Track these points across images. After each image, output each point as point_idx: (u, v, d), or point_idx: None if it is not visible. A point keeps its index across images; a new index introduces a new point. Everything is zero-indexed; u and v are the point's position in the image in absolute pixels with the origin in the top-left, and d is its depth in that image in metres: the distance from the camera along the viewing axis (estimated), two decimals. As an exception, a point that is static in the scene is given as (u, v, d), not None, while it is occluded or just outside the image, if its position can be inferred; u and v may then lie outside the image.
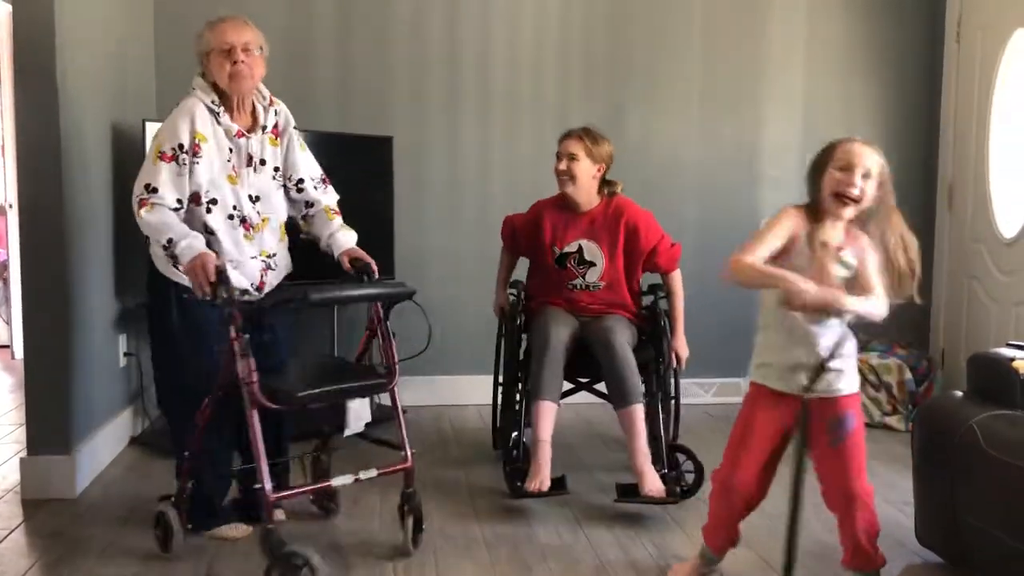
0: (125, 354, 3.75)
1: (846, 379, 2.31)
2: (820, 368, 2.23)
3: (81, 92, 3.25)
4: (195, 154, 2.57)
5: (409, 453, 2.64)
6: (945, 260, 4.65)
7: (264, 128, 2.72)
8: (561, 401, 3.20)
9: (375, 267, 2.75)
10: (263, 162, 2.72)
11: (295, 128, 2.82)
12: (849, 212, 2.26)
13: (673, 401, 3.43)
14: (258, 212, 2.71)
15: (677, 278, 3.38)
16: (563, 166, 3.27)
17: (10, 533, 2.83)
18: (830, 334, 2.27)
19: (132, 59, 3.94)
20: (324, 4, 4.38)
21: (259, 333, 2.59)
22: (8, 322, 5.92)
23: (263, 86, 2.74)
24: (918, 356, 4.43)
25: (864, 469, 2.31)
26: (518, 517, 3.02)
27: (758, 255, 2.20)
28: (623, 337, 3.14)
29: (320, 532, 2.90)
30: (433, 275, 4.48)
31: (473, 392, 3.95)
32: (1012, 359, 2.56)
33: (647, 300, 3.46)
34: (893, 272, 2.26)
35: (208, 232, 2.60)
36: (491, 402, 3.70)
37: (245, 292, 2.68)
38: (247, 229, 2.69)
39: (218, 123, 2.63)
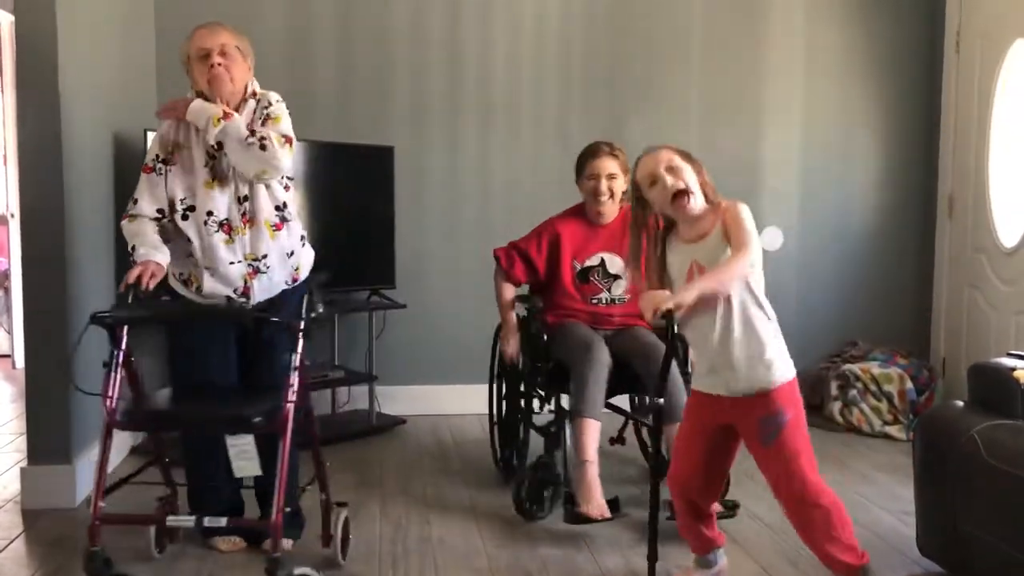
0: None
1: (764, 374, 2.24)
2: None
3: (82, 101, 3.26)
4: (171, 161, 2.60)
5: (276, 511, 2.27)
6: (945, 269, 4.65)
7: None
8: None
9: None
10: None
11: (266, 109, 2.65)
12: (690, 202, 2.28)
13: None
14: (243, 213, 2.62)
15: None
16: (604, 187, 3.19)
17: (10, 543, 2.83)
18: (717, 328, 2.25)
19: (133, 68, 3.95)
20: (323, 15, 4.39)
21: (245, 346, 2.65)
22: (9, 332, 5.92)
23: (254, 84, 2.71)
24: (919, 365, 4.43)
25: (811, 464, 2.23)
26: (518, 527, 3.01)
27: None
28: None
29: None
30: (434, 284, 4.48)
31: (473, 401, 3.95)
32: (1013, 369, 2.56)
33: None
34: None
35: (188, 241, 2.60)
36: (489, 415, 3.64)
37: (228, 299, 2.64)
38: (227, 233, 2.61)
39: (196, 129, 2.59)
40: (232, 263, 2.61)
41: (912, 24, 4.73)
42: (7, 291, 6.23)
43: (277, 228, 2.67)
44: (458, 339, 4.41)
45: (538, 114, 4.55)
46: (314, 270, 2.83)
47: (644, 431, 3.50)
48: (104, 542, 2.29)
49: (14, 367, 5.57)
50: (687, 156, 2.34)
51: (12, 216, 5.46)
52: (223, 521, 2.34)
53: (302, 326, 2.41)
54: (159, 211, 2.60)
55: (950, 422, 2.56)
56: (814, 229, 4.73)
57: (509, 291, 3.33)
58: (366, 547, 2.85)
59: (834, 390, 4.36)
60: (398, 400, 4.40)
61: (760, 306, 2.28)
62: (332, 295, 4.21)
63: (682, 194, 2.28)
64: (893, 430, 4.21)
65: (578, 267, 3.27)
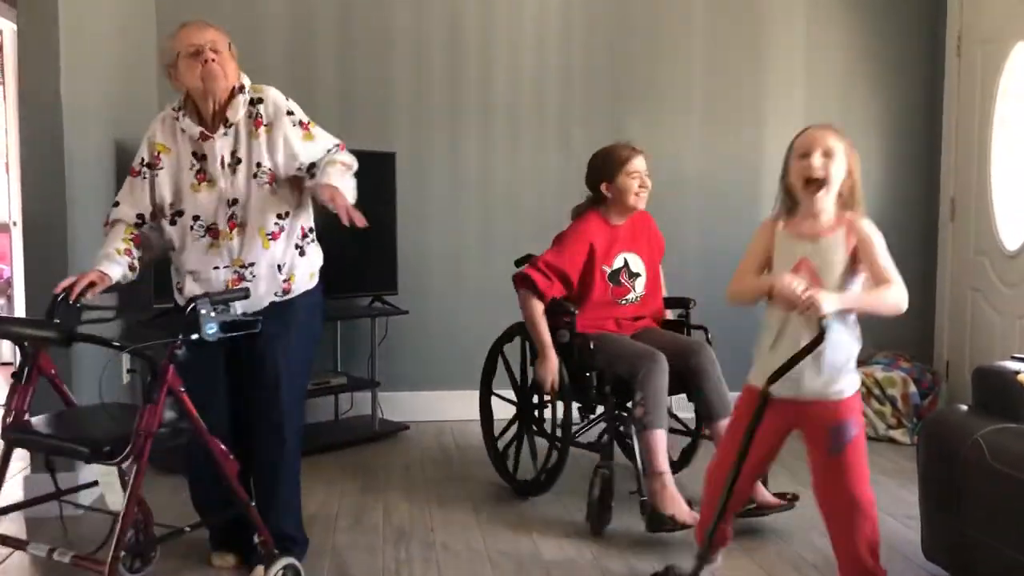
0: (128, 371, 3.75)
1: (846, 382, 2.26)
2: (793, 361, 2.18)
3: (84, 109, 3.26)
4: (156, 166, 2.52)
5: (113, 554, 2.05)
6: (948, 272, 4.65)
7: (228, 123, 2.50)
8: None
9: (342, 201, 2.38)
10: (238, 161, 2.50)
11: (290, 114, 2.56)
12: (821, 195, 2.24)
13: None
14: (232, 216, 2.49)
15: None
16: (642, 185, 3.27)
17: (13, 552, 2.82)
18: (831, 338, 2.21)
19: (135, 77, 3.96)
20: (325, 22, 4.39)
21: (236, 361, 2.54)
22: (11, 339, 5.91)
23: (244, 78, 2.56)
24: (922, 369, 4.41)
25: (867, 477, 2.27)
26: (522, 533, 3.01)
27: (743, 274, 2.33)
28: (714, 355, 3.14)
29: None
30: (436, 290, 4.48)
31: (475, 407, 3.94)
32: (1017, 372, 2.55)
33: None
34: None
35: (173, 246, 2.55)
36: (488, 436, 3.59)
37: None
38: (213, 238, 2.51)
39: (181, 130, 2.51)
40: (216, 268, 2.51)
41: (913, 27, 4.73)
42: (9, 299, 6.23)
43: (273, 237, 2.53)
44: (460, 345, 4.41)
45: (539, 119, 4.55)
46: (321, 278, 2.71)
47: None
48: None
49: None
50: (851, 153, 2.28)
51: (14, 224, 5.47)
52: (44, 550, 2.09)
53: (176, 351, 2.15)
54: (139, 216, 2.53)
55: (954, 426, 2.56)
56: (816, 233, 4.72)
57: (541, 311, 3.19)
58: (369, 554, 2.85)
59: (837, 394, 4.34)
60: (401, 406, 4.40)
61: (853, 314, 2.28)
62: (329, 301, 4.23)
63: (816, 182, 2.23)
64: (897, 434, 4.20)
65: (607, 271, 3.27)
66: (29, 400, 2.29)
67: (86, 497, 2.64)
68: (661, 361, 2.99)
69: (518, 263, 3.41)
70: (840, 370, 2.26)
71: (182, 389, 2.18)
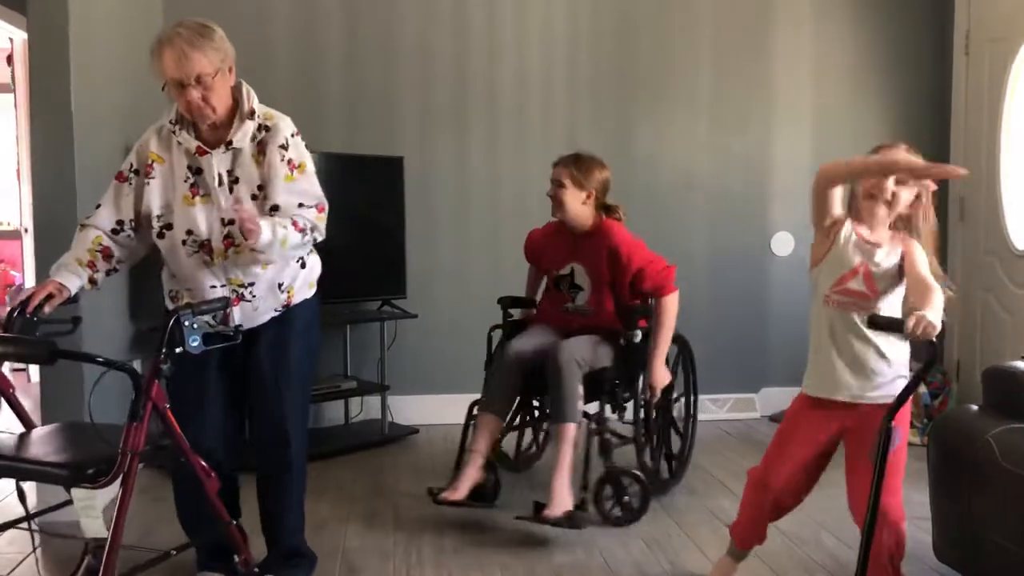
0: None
1: (899, 383, 2.30)
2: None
3: (94, 117, 3.28)
4: (147, 175, 2.40)
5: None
6: (958, 273, 4.63)
7: (230, 144, 2.37)
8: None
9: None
10: (236, 180, 2.39)
11: (283, 148, 2.40)
12: (882, 213, 2.29)
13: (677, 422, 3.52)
14: (228, 236, 2.37)
15: (666, 303, 3.20)
16: (551, 192, 3.30)
17: (25, 558, 2.83)
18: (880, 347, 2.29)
19: (144, 85, 3.96)
20: (333, 26, 4.41)
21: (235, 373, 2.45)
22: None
23: (249, 99, 2.40)
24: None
25: (899, 489, 2.28)
26: (533, 536, 3.01)
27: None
28: (574, 354, 3.06)
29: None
30: (444, 294, 4.49)
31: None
32: (1028, 372, 2.54)
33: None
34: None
35: (164, 259, 2.45)
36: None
37: (210, 324, 2.36)
38: (207, 254, 2.38)
39: (177, 142, 2.39)
40: (213, 286, 2.40)
41: (921, 27, 4.72)
42: (21, 305, 6.27)
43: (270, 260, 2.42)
44: (469, 348, 4.40)
45: (547, 122, 4.56)
46: (319, 286, 2.62)
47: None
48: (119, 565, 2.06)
49: (29, 380, 5.60)
50: (927, 188, 2.34)
51: (26, 231, 5.50)
52: None
53: (160, 366, 2.08)
54: (118, 223, 2.40)
55: (965, 426, 2.55)
56: (825, 234, 4.71)
57: (531, 270, 3.64)
58: (380, 557, 2.85)
59: (847, 395, 4.33)
60: (410, 409, 4.41)
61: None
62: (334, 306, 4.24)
63: (883, 204, 2.29)
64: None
65: (554, 273, 3.38)
66: None
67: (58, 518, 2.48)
68: (509, 350, 3.21)
69: (500, 301, 3.56)
70: (895, 377, 2.31)
71: (166, 406, 2.12)
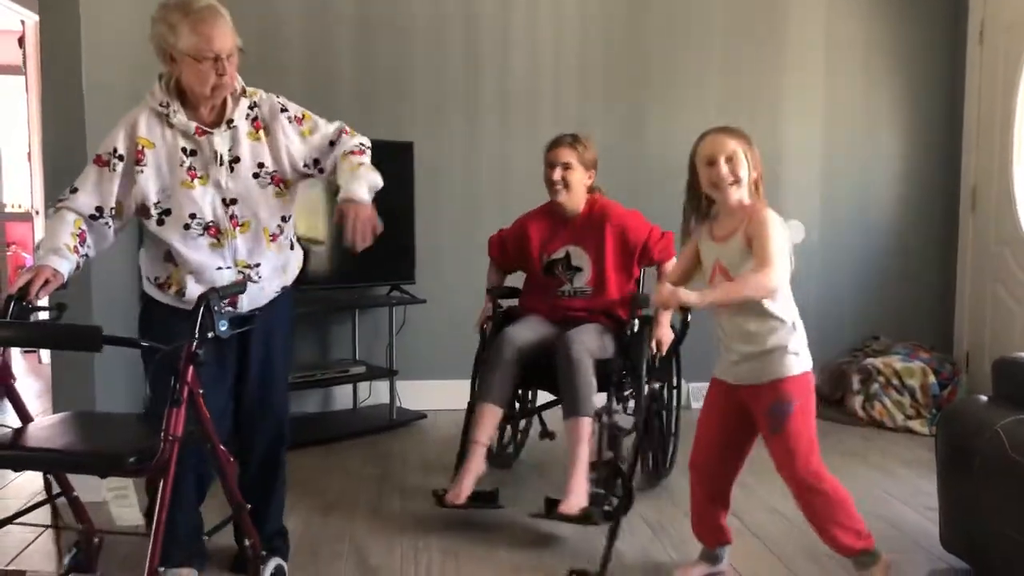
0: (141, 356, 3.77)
1: (774, 365, 2.31)
2: None
3: (106, 100, 3.28)
4: (138, 162, 2.29)
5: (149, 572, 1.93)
6: (969, 262, 4.61)
7: (231, 123, 2.34)
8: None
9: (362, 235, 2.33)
10: (237, 159, 2.35)
11: (284, 111, 2.41)
12: (735, 194, 2.34)
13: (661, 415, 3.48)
14: (232, 216, 2.34)
15: (670, 267, 3.17)
16: (557, 175, 3.21)
17: (37, 538, 2.85)
18: (741, 322, 2.33)
19: (156, 68, 3.97)
20: (342, 11, 4.40)
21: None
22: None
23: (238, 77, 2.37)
24: (941, 360, 4.39)
25: (813, 451, 2.32)
26: (540, 523, 3.01)
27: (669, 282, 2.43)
28: (585, 346, 3.02)
29: (342, 536, 2.91)
30: (453, 279, 4.49)
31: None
32: (1038, 363, 2.54)
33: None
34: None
35: (165, 244, 2.34)
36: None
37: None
38: (213, 236, 2.34)
39: (169, 125, 2.31)
40: (220, 268, 2.35)
41: (935, 15, 4.69)
42: (32, 287, 6.30)
43: (274, 238, 2.43)
44: (478, 334, 4.42)
45: (557, 108, 4.55)
46: (301, 272, 2.58)
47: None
48: (126, 550, 2.11)
49: (40, 362, 5.64)
50: (749, 146, 2.37)
51: (37, 213, 5.52)
52: None
53: (194, 348, 2.02)
54: (97, 209, 2.29)
55: (974, 417, 2.55)
56: (835, 222, 4.70)
57: (491, 275, 3.53)
58: (387, 542, 2.87)
59: (856, 384, 4.33)
60: (418, 394, 4.42)
61: (783, 297, 2.32)
62: (333, 292, 4.25)
63: (729, 184, 2.32)
64: (916, 424, 4.19)
65: (545, 259, 3.32)
66: None
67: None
68: (508, 339, 3.12)
69: (490, 291, 3.52)
70: (763, 357, 2.31)
71: (200, 391, 2.08)
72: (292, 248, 2.54)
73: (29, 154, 5.54)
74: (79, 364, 3.14)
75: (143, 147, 2.29)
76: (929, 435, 4.00)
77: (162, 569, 2.21)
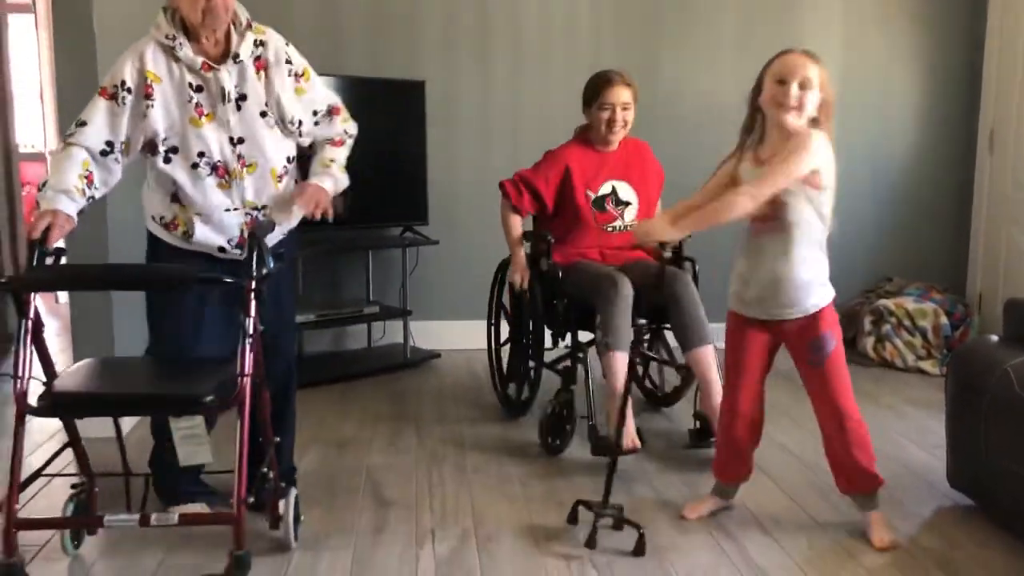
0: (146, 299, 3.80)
1: (812, 297, 2.34)
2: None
3: (119, 38, 3.24)
4: (148, 96, 2.24)
5: (237, 503, 1.98)
6: (984, 205, 4.58)
7: (237, 57, 2.30)
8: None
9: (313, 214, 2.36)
10: (243, 97, 2.32)
11: (288, 63, 2.39)
12: (794, 121, 2.28)
13: None
14: (240, 156, 2.32)
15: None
16: (620, 117, 3.17)
17: (42, 489, 2.91)
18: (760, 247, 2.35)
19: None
20: (355, -53, 4.35)
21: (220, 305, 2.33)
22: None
23: (242, 10, 2.35)
24: (954, 301, 4.39)
25: (850, 388, 2.38)
26: (552, 457, 3.07)
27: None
28: (691, 281, 3.10)
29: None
30: (466, 220, 4.50)
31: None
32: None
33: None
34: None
35: (172, 184, 2.32)
36: (493, 358, 3.70)
37: (221, 249, 2.36)
38: (221, 176, 2.31)
39: (175, 59, 2.26)
40: (228, 210, 2.33)
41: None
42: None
43: (280, 179, 2.41)
44: (490, 275, 4.43)
45: (570, 49, 4.49)
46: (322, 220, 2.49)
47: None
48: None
49: (56, 301, 5.70)
50: (826, 79, 2.31)
51: (49, 153, 5.54)
52: (174, 518, 1.99)
53: (252, 284, 2.05)
54: (108, 144, 2.25)
55: (984, 356, 2.56)
56: (850, 164, 4.62)
57: (517, 224, 3.33)
58: (403, 473, 2.93)
59: (867, 325, 4.34)
60: (432, 334, 4.46)
61: (823, 230, 2.33)
62: (340, 233, 4.26)
63: (792, 108, 2.26)
64: (927, 365, 4.20)
65: (592, 196, 3.26)
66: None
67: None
68: (622, 284, 2.97)
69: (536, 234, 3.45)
70: (797, 290, 2.32)
71: (261, 328, 2.11)
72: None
73: (41, 93, 5.53)
74: (98, 309, 3.17)
75: (151, 81, 2.25)
76: (940, 376, 4.02)
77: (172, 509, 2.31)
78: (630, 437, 2.89)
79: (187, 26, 2.28)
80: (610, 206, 3.28)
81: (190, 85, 2.28)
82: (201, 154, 2.29)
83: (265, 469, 2.35)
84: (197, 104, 2.28)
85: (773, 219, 2.29)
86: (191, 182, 2.30)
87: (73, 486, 2.32)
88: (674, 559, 2.34)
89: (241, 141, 2.32)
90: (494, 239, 4.46)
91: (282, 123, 2.39)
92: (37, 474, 2.18)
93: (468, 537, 2.47)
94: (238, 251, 2.34)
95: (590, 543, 2.37)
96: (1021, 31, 4.27)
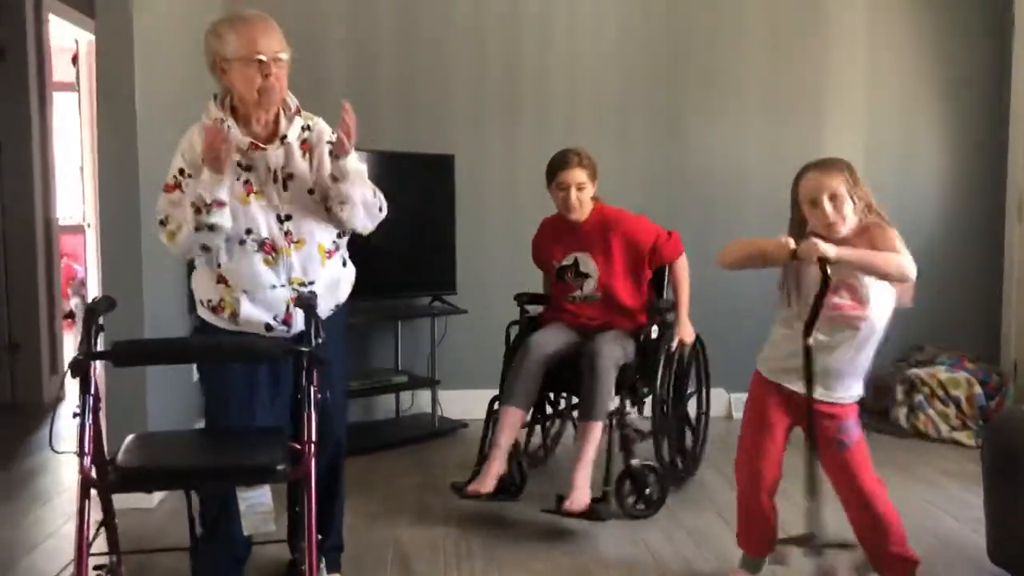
0: (198, 369, 3.85)
1: (856, 386, 2.36)
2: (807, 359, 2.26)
3: (158, 116, 3.38)
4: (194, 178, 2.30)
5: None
6: (1015, 271, 4.54)
7: (284, 138, 2.35)
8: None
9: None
10: (291, 176, 2.35)
11: (329, 142, 2.40)
12: (843, 231, 2.28)
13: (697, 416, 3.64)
14: (287, 232, 2.34)
15: (681, 265, 3.38)
16: (574, 200, 3.28)
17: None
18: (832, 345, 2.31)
19: (206, 83, 4.07)
20: (386, 25, 4.47)
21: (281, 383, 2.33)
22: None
23: (291, 98, 2.40)
24: (988, 370, 4.33)
25: (870, 466, 2.36)
26: (578, 528, 3.03)
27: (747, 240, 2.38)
28: (612, 357, 3.12)
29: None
30: (494, 290, 4.52)
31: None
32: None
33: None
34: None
35: (218, 263, 2.33)
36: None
37: (268, 327, 2.35)
38: (268, 253, 2.33)
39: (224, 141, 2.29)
40: (274, 287, 2.33)
41: (980, 18, 4.63)
42: (83, 299, 6.47)
43: (330, 255, 2.42)
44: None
45: (597, 119, 4.57)
46: (353, 292, 2.55)
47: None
48: (177, 554, 2.12)
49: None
50: (853, 179, 2.29)
51: (88, 225, 5.67)
52: None
53: (317, 353, 2.09)
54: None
55: (1021, 427, 2.52)
56: (878, 232, 4.65)
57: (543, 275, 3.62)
58: (430, 548, 2.90)
59: (900, 395, 4.29)
60: (459, 404, 4.45)
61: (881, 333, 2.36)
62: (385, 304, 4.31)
63: (834, 227, 2.27)
64: (962, 436, 4.13)
65: (556, 266, 3.42)
66: None
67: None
68: (532, 345, 3.23)
69: (517, 297, 3.65)
70: (848, 378, 2.35)
71: (317, 396, 2.12)
72: (345, 265, 2.52)
73: (81, 168, 5.70)
74: (133, 385, 3.20)
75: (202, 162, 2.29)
76: (975, 447, 3.94)
77: None
78: (480, 482, 3.05)
79: (236, 110, 2.35)
80: (569, 277, 3.39)
81: (239, 164, 2.32)
82: (249, 231, 2.32)
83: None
84: (246, 182, 2.33)
85: (858, 308, 2.29)
86: (237, 258, 2.33)
87: (96, 567, 2.23)
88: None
89: (289, 218, 2.34)
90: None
91: (325, 199, 2.40)
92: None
93: (497, 612, 2.44)
94: (284, 328, 2.35)
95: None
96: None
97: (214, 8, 4.17)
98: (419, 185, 4.24)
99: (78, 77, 5.47)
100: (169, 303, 3.51)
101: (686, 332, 3.37)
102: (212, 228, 2.25)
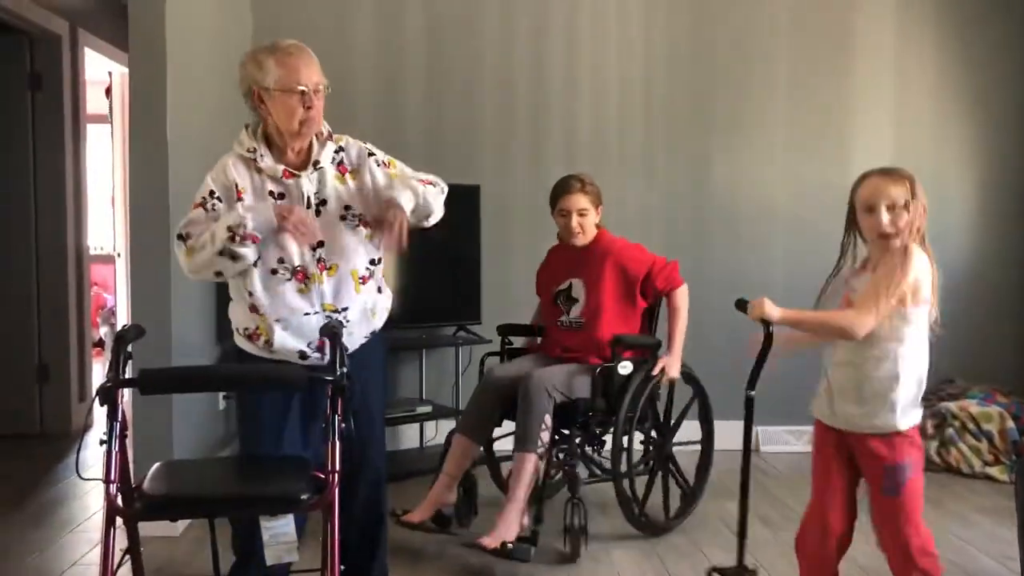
0: (224, 397, 3.89)
1: (889, 416, 2.16)
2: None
3: (189, 149, 3.43)
4: (239, 199, 2.30)
5: None
6: (1048, 304, 4.48)
7: (317, 164, 2.34)
8: None
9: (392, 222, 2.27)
10: (324, 202, 2.35)
11: (371, 155, 2.43)
12: (895, 244, 2.20)
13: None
14: (319, 259, 2.33)
15: (679, 295, 3.28)
16: (576, 225, 3.27)
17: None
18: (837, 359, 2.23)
19: (236, 116, 4.13)
20: (414, 57, 4.53)
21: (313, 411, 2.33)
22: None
23: (323, 124, 2.40)
24: (1021, 404, 4.26)
25: (920, 514, 2.17)
26: (601, 551, 3.00)
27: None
28: (545, 383, 3.03)
29: None
30: (518, 320, 4.50)
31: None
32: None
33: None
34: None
35: (249, 292, 2.33)
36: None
37: (302, 355, 2.35)
38: (300, 281, 2.32)
39: (257, 170, 2.32)
40: (307, 314, 2.32)
41: (1010, 50, 4.62)
42: (112, 327, 6.54)
43: (364, 281, 2.40)
44: (543, 374, 4.44)
45: (622, 152, 4.59)
46: (389, 318, 2.54)
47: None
48: None
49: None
50: (914, 192, 2.19)
51: (118, 255, 5.74)
52: None
53: (343, 381, 2.07)
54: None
55: (1055, 463, 2.47)
56: (906, 263, 4.61)
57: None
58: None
59: (930, 428, 4.23)
60: (484, 435, 4.44)
61: (913, 346, 2.21)
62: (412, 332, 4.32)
63: (888, 236, 2.19)
64: (994, 471, 4.06)
65: (554, 291, 3.41)
66: None
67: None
68: (490, 376, 3.27)
69: (499, 329, 3.66)
70: (878, 401, 2.16)
71: (342, 424, 2.10)
72: (380, 291, 2.50)
73: (112, 198, 5.78)
74: (158, 413, 3.23)
75: (241, 188, 2.32)
76: (1008, 482, 3.87)
77: None
78: (417, 511, 3.07)
79: (268, 140, 2.36)
80: (560, 301, 3.38)
81: (271, 192, 2.33)
82: (281, 260, 2.31)
83: None
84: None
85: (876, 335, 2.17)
86: (272, 287, 2.32)
87: None
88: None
89: (321, 245, 2.33)
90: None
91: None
92: None
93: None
94: (318, 355, 2.35)
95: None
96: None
97: (245, 41, 4.25)
98: (445, 214, 4.24)
99: (111, 109, 5.57)
100: (196, 332, 3.55)
101: (672, 366, 3.22)
102: (235, 258, 2.25)
